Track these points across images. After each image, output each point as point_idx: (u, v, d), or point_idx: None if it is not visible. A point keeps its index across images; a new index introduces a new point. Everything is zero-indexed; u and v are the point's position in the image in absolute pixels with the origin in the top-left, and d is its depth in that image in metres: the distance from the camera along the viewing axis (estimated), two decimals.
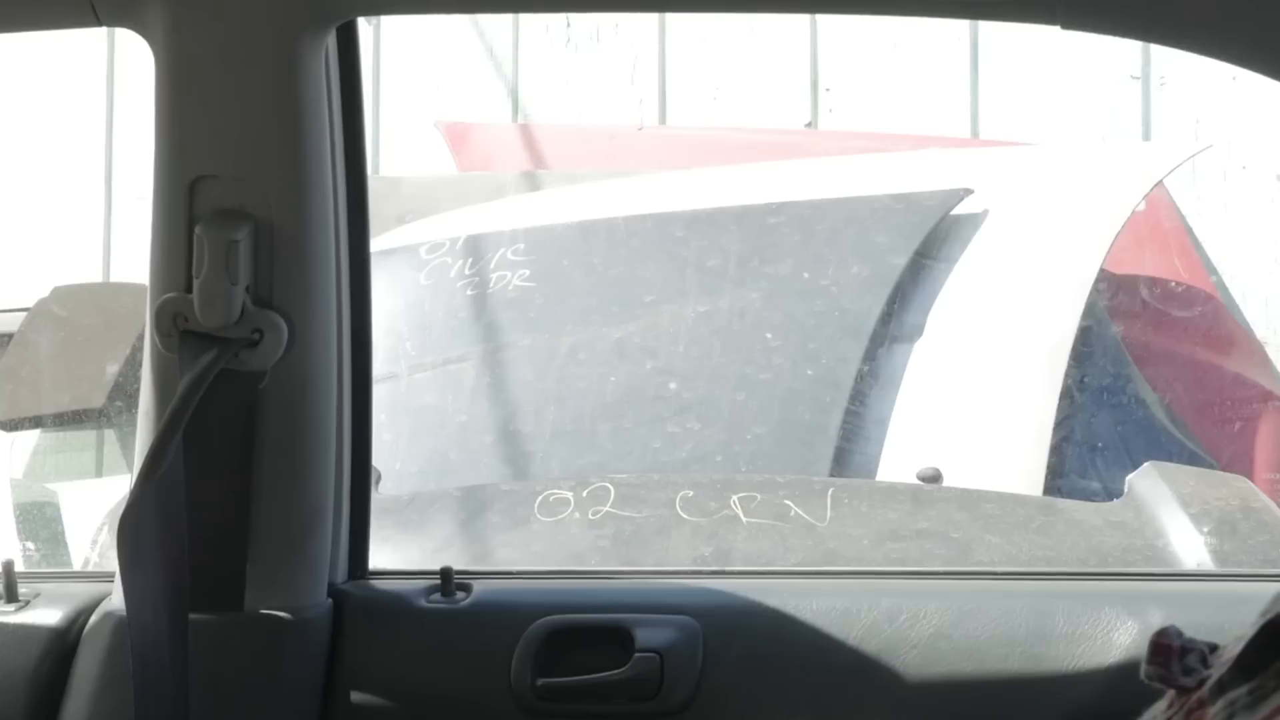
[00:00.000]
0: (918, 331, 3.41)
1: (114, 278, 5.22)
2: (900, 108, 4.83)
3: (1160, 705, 1.30)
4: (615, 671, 1.86)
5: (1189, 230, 4.22)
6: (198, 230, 1.76)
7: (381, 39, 5.16)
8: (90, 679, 1.85)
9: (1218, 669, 1.23)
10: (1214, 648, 1.28)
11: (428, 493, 3.12)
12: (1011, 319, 3.44)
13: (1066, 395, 3.37)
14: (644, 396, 3.35)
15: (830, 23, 4.89)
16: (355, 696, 1.88)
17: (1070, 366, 3.37)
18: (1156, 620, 1.77)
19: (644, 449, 3.27)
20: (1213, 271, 4.28)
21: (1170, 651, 1.28)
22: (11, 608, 1.93)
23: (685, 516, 2.92)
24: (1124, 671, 1.78)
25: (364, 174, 1.91)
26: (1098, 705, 1.77)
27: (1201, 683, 1.24)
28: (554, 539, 2.89)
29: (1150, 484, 2.97)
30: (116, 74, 5.35)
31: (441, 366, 3.48)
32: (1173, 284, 3.94)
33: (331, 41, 1.80)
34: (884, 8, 1.82)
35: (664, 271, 3.52)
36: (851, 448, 3.26)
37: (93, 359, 3.89)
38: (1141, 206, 3.78)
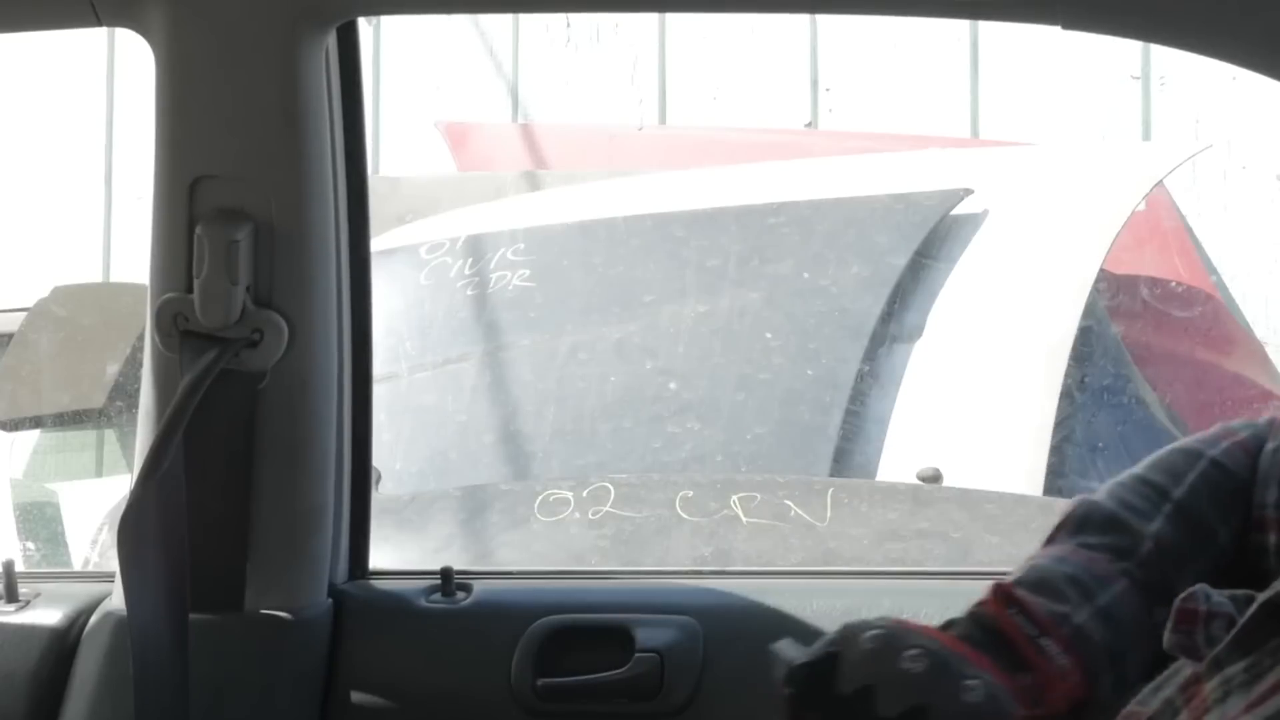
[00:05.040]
0: (918, 331, 3.41)
1: (114, 278, 5.22)
2: (900, 108, 4.83)
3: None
4: (615, 671, 1.86)
5: (1189, 230, 4.22)
6: (198, 230, 1.76)
7: (381, 39, 5.16)
8: (90, 679, 1.85)
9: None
10: (1251, 598, 1.22)
11: (428, 493, 3.12)
12: (1011, 319, 3.44)
13: (1066, 395, 3.37)
14: (644, 396, 3.35)
15: (830, 23, 4.89)
16: (355, 696, 1.88)
17: (1070, 366, 3.37)
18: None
19: (644, 449, 3.27)
20: (1213, 271, 4.28)
21: (1196, 618, 1.22)
22: (11, 608, 1.93)
23: (685, 516, 2.92)
24: None
25: (364, 174, 1.91)
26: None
27: None
28: (554, 539, 2.90)
29: None
30: (116, 74, 5.35)
31: (441, 366, 3.48)
32: (1173, 284, 3.94)
33: (331, 41, 1.81)
34: (884, 8, 1.83)
35: (664, 271, 3.52)
36: (851, 448, 3.26)
37: (93, 359, 3.89)
38: (1141, 206, 3.78)
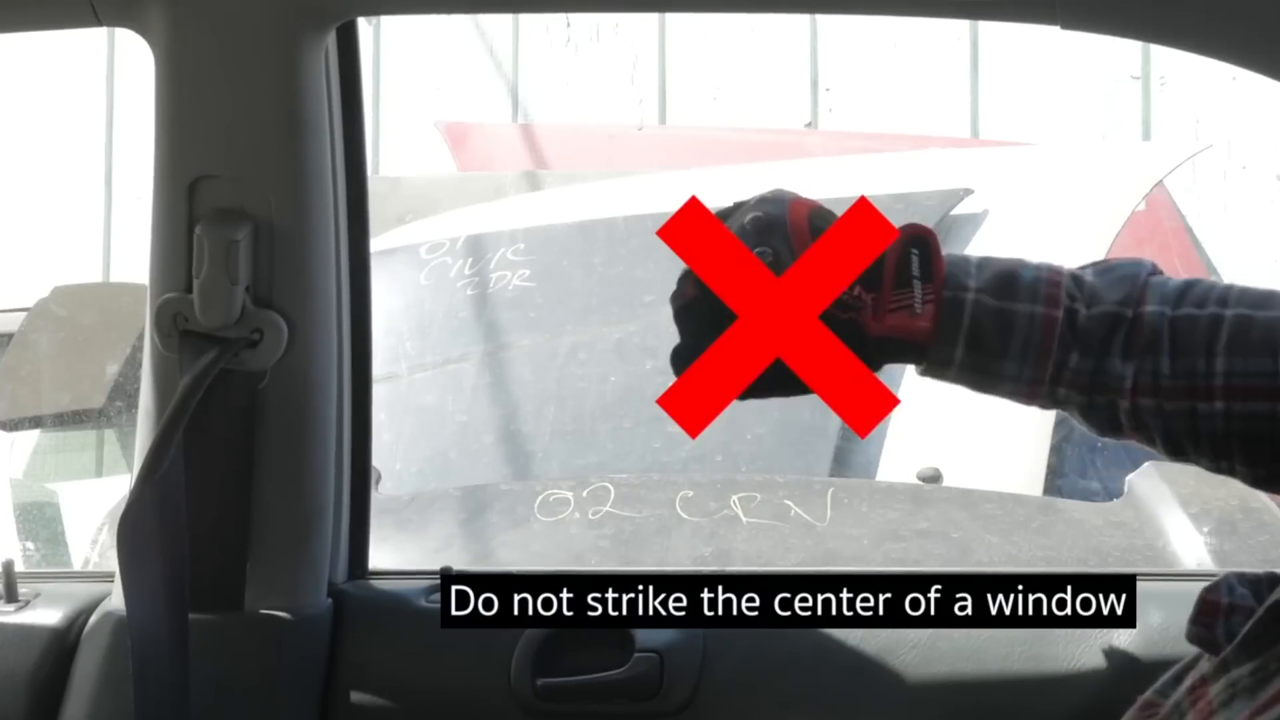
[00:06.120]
0: None
1: (114, 278, 5.23)
2: (900, 108, 4.83)
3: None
4: (615, 671, 1.85)
5: (1189, 230, 4.22)
6: (198, 230, 1.76)
7: (381, 39, 5.16)
8: (90, 679, 1.85)
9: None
10: (1276, 581, 1.17)
11: (428, 493, 3.12)
12: None
13: None
14: (644, 396, 3.34)
15: (830, 23, 4.90)
16: (355, 696, 1.88)
17: None
18: (1156, 620, 1.77)
19: (644, 449, 3.27)
20: (1213, 271, 4.28)
21: (1217, 610, 1.17)
22: (11, 608, 1.93)
23: (685, 516, 2.92)
24: (1124, 671, 1.78)
25: (364, 174, 1.91)
26: (1098, 705, 1.77)
27: None
28: (554, 539, 2.89)
29: (1150, 484, 2.97)
30: (116, 74, 5.35)
31: (441, 366, 3.48)
32: None
33: (331, 41, 1.81)
34: (884, 8, 1.82)
35: (664, 271, 3.50)
36: (851, 448, 3.26)
37: (93, 359, 3.90)
38: (1141, 206, 3.78)
